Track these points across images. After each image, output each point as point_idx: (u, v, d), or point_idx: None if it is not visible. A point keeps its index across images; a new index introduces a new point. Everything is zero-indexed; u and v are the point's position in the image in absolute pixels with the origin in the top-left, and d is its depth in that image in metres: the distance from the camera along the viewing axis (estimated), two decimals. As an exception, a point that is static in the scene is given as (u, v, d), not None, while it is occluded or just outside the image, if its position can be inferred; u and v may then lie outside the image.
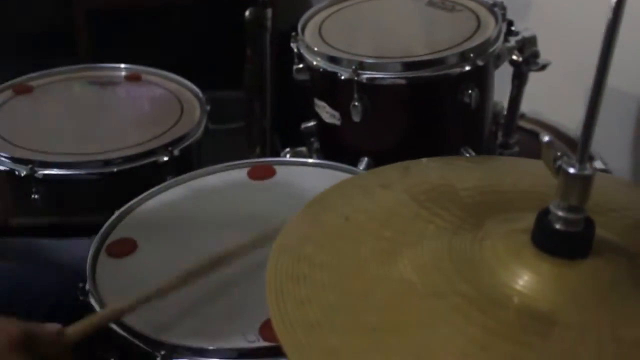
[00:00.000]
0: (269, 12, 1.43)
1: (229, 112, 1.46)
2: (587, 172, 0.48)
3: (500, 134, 1.20)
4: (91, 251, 0.88)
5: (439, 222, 0.55)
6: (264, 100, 1.51)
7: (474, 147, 1.08)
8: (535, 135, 1.35)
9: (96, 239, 0.91)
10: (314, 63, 1.07)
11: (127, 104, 1.30)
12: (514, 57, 1.12)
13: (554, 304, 0.49)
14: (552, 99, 1.38)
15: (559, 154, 0.48)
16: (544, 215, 0.50)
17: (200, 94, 1.29)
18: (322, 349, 0.46)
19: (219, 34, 1.82)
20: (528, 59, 1.13)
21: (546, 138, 0.49)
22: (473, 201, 0.59)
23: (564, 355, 0.47)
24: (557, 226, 0.50)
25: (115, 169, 1.10)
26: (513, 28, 1.11)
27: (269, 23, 1.44)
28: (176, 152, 1.14)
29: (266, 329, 0.74)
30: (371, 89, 1.01)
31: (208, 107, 1.25)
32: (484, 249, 0.51)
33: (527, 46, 1.12)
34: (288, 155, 1.20)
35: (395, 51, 1.05)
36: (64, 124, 1.24)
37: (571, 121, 1.40)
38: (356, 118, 1.02)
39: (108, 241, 0.91)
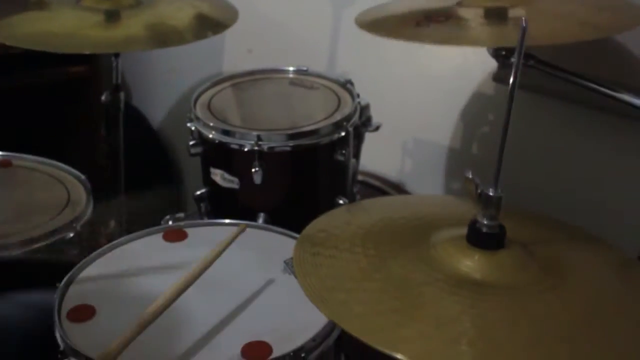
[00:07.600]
0: (122, 94, 1.60)
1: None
2: (499, 194, 0.77)
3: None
4: (55, 318, 0.98)
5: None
6: (118, 176, 1.66)
7: (344, 195, 1.35)
8: (365, 184, 1.68)
9: (55, 307, 1.01)
10: (210, 136, 1.27)
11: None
12: (355, 121, 1.41)
13: (484, 275, 0.77)
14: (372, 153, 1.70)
15: (477, 184, 0.77)
16: (474, 224, 0.79)
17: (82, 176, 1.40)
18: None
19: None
20: (365, 122, 1.44)
21: (469, 175, 0.77)
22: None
23: (491, 304, 0.75)
24: (483, 230, 0.78)
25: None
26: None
27: (122, 105, 1.61)
28: (79, 228, 1.25)
29: (246, 351, 0.93)
30: (268, 156, 1.24)
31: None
32: (438, 251, 0.79)
33: (364, 112, 1.43)
34: (170, 222, 1.35)
35: (280, 124, 1.29)
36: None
37: (390, 169, 1.74)
38: (257, 181, 1.23)
39: (65, 309, 1.02)
